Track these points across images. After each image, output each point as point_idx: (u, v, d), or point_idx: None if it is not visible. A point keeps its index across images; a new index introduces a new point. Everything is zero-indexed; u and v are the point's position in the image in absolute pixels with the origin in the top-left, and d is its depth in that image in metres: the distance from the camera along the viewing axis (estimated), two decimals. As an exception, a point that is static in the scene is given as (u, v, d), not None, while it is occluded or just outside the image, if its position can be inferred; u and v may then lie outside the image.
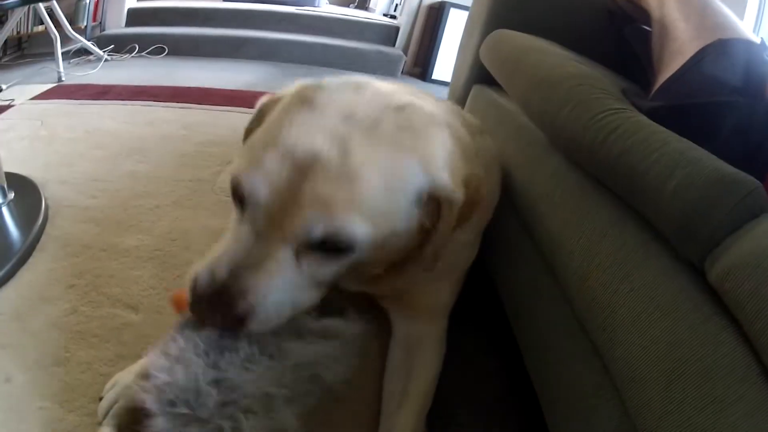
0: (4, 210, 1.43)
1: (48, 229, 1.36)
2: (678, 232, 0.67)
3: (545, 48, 1.27)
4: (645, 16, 1.38)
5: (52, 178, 1.61)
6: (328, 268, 0.72)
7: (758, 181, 0.63)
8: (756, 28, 3.18)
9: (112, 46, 3.76)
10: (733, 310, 0.57)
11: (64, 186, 1.56)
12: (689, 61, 1.08)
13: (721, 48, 1.04)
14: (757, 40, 1.10)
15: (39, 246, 1.30)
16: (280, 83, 3.07)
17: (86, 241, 1.31)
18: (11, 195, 1.47)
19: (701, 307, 0.61)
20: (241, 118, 2.30)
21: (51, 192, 1.52)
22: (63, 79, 3.00)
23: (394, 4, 6.77)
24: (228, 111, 2.43)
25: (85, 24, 3.82)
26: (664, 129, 0.79)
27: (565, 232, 0.90)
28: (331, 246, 0.68)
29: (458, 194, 0.76)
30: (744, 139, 0.90)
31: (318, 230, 0.66)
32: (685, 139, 0.75)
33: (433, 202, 0.75)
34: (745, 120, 0.91)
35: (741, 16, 3.22)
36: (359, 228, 0.67)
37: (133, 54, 3.75)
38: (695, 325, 0.60)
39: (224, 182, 1.60)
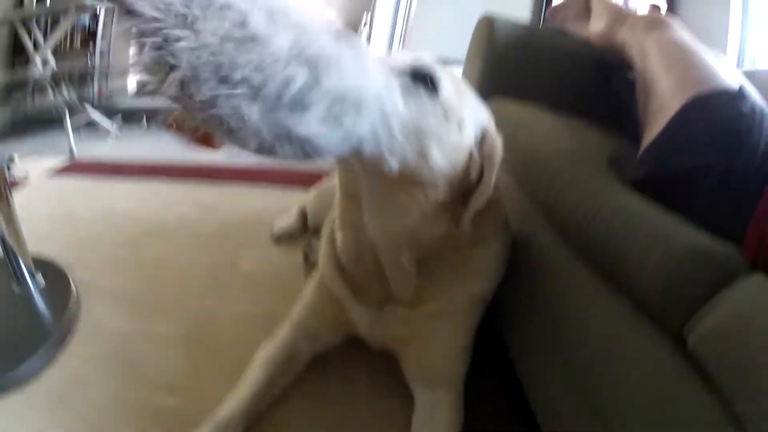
0: (36, 294, 1.48)
1: (79, 314, 1.41)
2: (658, 308, 0.71)
3: (534, 123, 1.34)
4: (630, 65, 1.41)
5: (77, 261, 1.66)
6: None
7: (731, 250, 0.68)
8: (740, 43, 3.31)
9: (121, 118, 3.85)
10: (710, 376, 0.61)
11: (90, 270, 1.62)
12: (669, 122, 1.08)
13: (698, 104, 1.04)
14: (736, 87, 1.07)
15: (74, 329, 1.35)
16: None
17: (119, 326, 1.36)
18: (40, 279, 1.52)
19: (683, 373, 0.65)
20: (253, 196, 2.39)
21: (78, 276, 1.57)
22: (75, 153, 3.08)
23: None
24: (239, 190, 2.49)
25: (92, 94, 3.94)
26: (643, 205, 0.85)
27: (565, 304, 0.96)
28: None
29: (500, 142, 0.93)
30: (724, 198, 0.91)
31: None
32: (663, 214, 0.81)
33: (484, 145, 0.91)
34: (723, 179, 0.92)
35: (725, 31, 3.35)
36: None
37: (143, 128, 3.85)
38: (676, 391, 0.65)
39: (244, 267, 1.67)
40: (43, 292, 1.49)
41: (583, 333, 0.87)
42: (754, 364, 0.55)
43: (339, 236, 1.03)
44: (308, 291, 1.22)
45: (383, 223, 0.91)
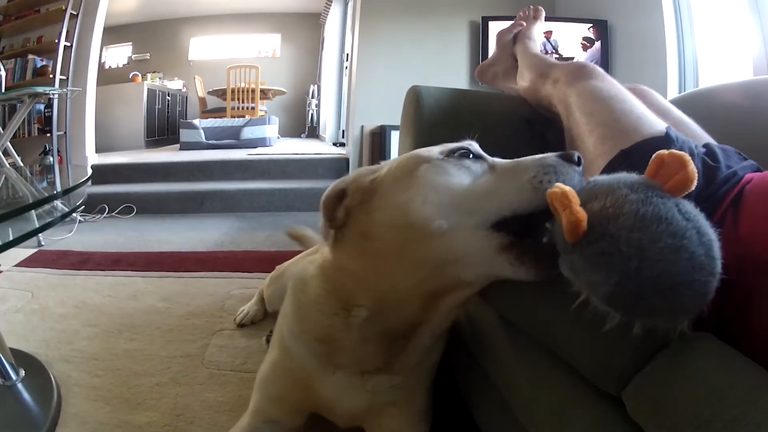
0: (21, 387, 1.57)
1: (63, 406, 1.50)
2: (595, 378, 0.73)
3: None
4: (560, 120, 1.38)
5: (56, 356, 1.77)
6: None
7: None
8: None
9: (83, 206, 3.96)
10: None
11: (68, 365, 1.72)
12: None
13: (622, 160, 1.02)
14: (662, 129, 1.05)
15: (60, 423, 1.43)
16: (247, 238, 3.33)
17: (101, 419, 1.45)
18: (22, 373, 1.61)
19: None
20: (216, 284, 2.53)
21: (57, 370, 1.67)
22: (42, 243, 3.20)
23: (341, 131, 7.14)
24: (202, 277, 2.63)
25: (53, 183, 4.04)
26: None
27: (513, 372, 0.98)
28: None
29: None
30: None
31: None
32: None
33: None
34: None
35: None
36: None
37: (104, 214, 3.99)
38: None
39: (212, 356, 1.79)
40: (28, 387, 1.58)
41: (533, 406, 0.89)
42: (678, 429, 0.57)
43: (326, 307, 1.01)
44: (264, 376, 1.22)
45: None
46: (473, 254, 0.83)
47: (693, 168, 0.66)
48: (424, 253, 0.86)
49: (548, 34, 4.33)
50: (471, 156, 0.90)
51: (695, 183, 0.67)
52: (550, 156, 0.83)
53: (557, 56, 4.25)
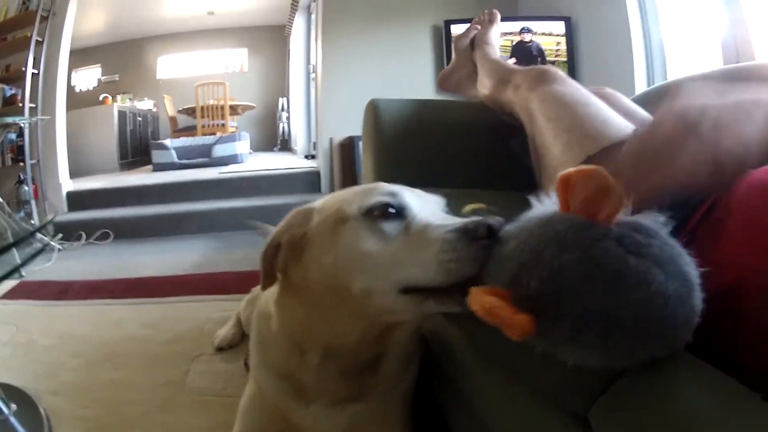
0: (13, 421, 1.60)
1: None
2: (559, 398, 0.73)
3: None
4: (524, 127, 1.36)
5: (44, 389, 1.82)
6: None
7: None
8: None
9: (60, 235, 4.01)
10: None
11: (56, 397, 1.77)
12: None
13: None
14: (629, 131, 1.04)
15: None
16: (224, 258, 3.39)
17: None
18: (13, 407, 1.64)
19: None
20: (195, 308, 2.60)
21: (47, 403, 1.73)
22: (23, 274, 3.25)
23: (312, 143, 7.17)
24: (181, 302, 2.70)
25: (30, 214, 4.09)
26: None
27: (482, 388, 0.98)
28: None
29: None
30: None
31: None
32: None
33: None
34: None
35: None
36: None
37: (81, 242, 4.03)
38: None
39: (194, 381, 1.85)
40: (20, 420, 1.61)
41: (503, 423, 0.90)
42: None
43: (286, 340, 1.04)
44: (243, 407, 1.22)
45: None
46: (397, 309, 0.86)
47: (606, 182, 0.59)
48: (357, 310, 0.89)
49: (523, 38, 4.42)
50: (391, 210, 0.88)
51: (621, 200, 0.59)
52: (452, 229, 0.80)
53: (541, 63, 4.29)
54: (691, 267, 0.59)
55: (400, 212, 0.89)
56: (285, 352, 1.04)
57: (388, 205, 0.89)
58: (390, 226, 0.87)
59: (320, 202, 1.00)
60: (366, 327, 0.94)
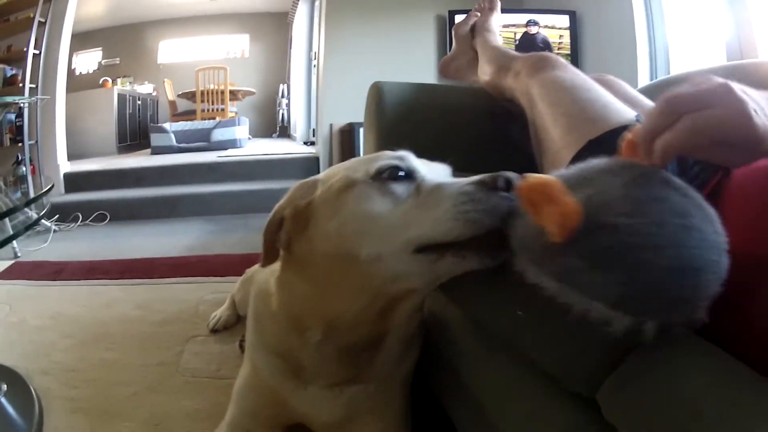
0: (4, 401, 1.59)
1: (45, 419, 1.54)
2: (566, 380, 0.72)
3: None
4: (524, 112, 1.34)
5: (35, 369, 1.81)
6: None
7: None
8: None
9: (57, 216, 3.98)
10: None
11: (47, 377, 1.76)
12: None
13: (591, 150, 0.95)
14: (632, 116, 1.02)
15: None
16: (219, 241, 3.38)
17: (82, 431, 1.50)
18: (4, 386, 1.64)
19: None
20: (189, 289, 2.58)
21: (37, 383, 1.71)
22: (18, 255, 3.24)
23: (312, 130, 7.16)
24: (176, 283, 2.69)
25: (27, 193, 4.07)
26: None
27: (484, 373, 0.98)
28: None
29: None
30: None
31: None
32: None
33: None
34: None
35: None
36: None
37: (78, 223, 4.02)
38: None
39: (187, 363, 1.83)
40: (11, 400, 1.61)
41: (505, 408, 0.88)
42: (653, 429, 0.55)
43: (282, 321, 1.02)
44: (238, 389, 1.21)
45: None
46: (409, 272, 0.83)
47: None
48: (363, 280, 0.87)
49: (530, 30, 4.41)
50: (400, 174, 0.87)
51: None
52: (469, 183, 0.79)
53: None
54: (721, 228, 0.56)
55: (409, 174, 0.88)
56: (284, 331, 1.02)
57: (397, 167, 0.88)
58: (400, 188, 0.86)
59: (323, 173, 0.98)
60: (370, 300, 0.90)
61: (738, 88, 0.57)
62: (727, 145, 0.56)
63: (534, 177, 0.60)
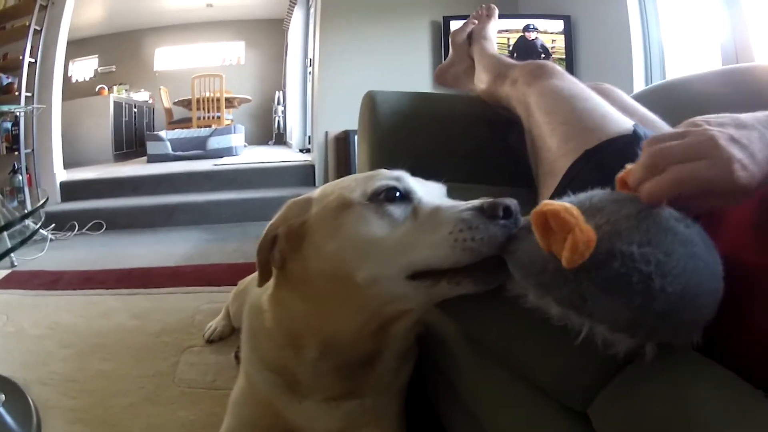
0: (2, 411, 1.60)
1: (43, 429, 1.55)
2: (558, 395, 0.73)
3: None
4: (521, 121, 1.34)
5: (33, 379, 1.82)
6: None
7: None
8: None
9: (53, 225, 4.00)
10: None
11: (45, 387, 1.77)
12: (558, 185, 1.02)
13: (588, 160, 0.98)
14: (630, 126, 1.02)
15: None
16: (216, 250, 3.39)
17: None
18: (2, 396, 1.65)
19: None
20: (185, 299, 2.59)
21: (35, 393, 1.72)
22: (15, 264, 3.25)
23: (308, 137, 7.16)
24: (172, 293, 2.69)
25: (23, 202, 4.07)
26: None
27: (478, 386, 0.98)
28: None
29: None
30: None
31: None
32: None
33: None
34: None
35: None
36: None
37: (74, 232, 4.03)
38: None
39: (183, 373, 1.84)
40: (9, 410, 1.61)
41: (500, 421, 0.89)
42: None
43: (277, 337, 1.02)
44: (234, 401, 1.21)
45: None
46: (405, 295, 0.84)
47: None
48: (360, 300, 0.87)
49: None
50: (397, 195, 0.87)
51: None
52: (467, 208, 0.79)
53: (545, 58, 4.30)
54: (719, 261, 0.61)
55: (406, 196, 0.88)
56: (279, 347, 1.03)
57: (394, 188, 0.88)
58: (397, 210, 0.86)
59: (317, 191, 0.98)
60: (367, 319, 0.91)
61: (726, 137, 0.59)
62: (712, 195, 0.60)
63: (554, 204, 0.61)
